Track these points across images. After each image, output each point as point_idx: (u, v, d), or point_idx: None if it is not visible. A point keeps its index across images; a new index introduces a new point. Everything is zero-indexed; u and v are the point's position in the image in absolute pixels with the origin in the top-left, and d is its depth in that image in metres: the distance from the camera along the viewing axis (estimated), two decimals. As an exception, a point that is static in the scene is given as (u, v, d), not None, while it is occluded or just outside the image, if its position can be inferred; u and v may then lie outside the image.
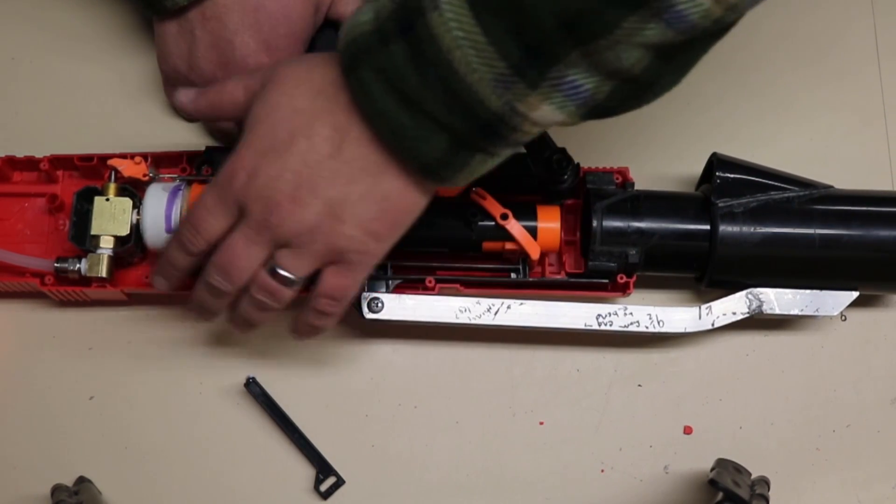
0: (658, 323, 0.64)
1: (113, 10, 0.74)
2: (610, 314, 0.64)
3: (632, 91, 0.47)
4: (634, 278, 0.64)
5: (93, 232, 0.62)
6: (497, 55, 0.45)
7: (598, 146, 0.72)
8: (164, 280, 0.59)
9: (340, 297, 0.55)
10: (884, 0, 0.77)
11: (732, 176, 0.64)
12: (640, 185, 0.65)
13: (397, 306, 0.63)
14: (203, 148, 0.66)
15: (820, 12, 0.77)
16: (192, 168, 0.65)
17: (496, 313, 0.64)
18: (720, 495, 0.57)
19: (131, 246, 0.63)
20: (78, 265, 0.63)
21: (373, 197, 0.51)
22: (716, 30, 0.45)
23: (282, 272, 0.53)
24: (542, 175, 0.63)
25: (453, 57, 0.45)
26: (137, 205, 0.63)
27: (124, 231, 0.62)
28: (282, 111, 0.52)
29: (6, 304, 0.68)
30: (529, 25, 0.44)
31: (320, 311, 0.56)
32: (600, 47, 0.44)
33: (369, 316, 0.63)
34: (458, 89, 0.46)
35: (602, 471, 0.67)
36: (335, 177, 0.51)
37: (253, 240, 0.53)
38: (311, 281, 0.55)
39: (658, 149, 0.73)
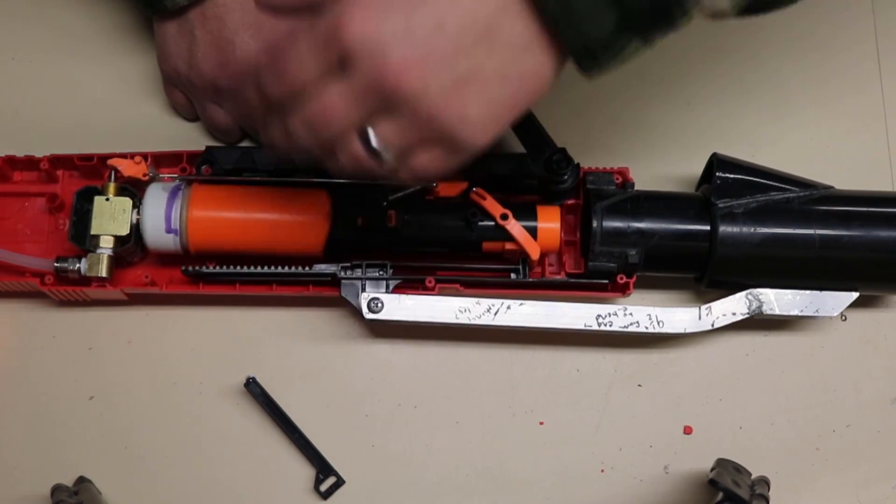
0: (658, 323, 0.64)
1: (113, 9, 0.74)
2: (610, 314, 0.64)
3: None
4: (634, 279, 0.64)
5: (93, 232, 0.62)
6: None
7: (598, 146, 0.72)
8: (234, 105, 0.51)
9: (423, 178, 0.49)
10: (884, 0, 0.77)
11: (732, 176, 0.64)
12: (640, 186, 0.65)
13: (397, 306, 0.63)
14: (203, 148, 0.65)
15: (820, 12, 0.77)
16: (192, 168, 0.65)
17: (496, 313, 0.64)
18: (720, 495, 0.57)
19: (131, 246, 0.63)
20: (78, 265, 0.63)
21: (508, 77, 0.45)
22: None
23: (374, 141, 0.46)
24: (542, 175, 0.63)
25: None
26: (137, 205, 0.63)
27: (124, 231, 0.62)
28: None
29: (6, 304, 0.68)
30: None
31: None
32: None
33: (369, 316, 0.63)
34: None
35: (602, 471, 0.67)
36: (474, 45, 0.44)
37: (355, 98, 0.45)
38: None
39: (658, 149, 0.73)
